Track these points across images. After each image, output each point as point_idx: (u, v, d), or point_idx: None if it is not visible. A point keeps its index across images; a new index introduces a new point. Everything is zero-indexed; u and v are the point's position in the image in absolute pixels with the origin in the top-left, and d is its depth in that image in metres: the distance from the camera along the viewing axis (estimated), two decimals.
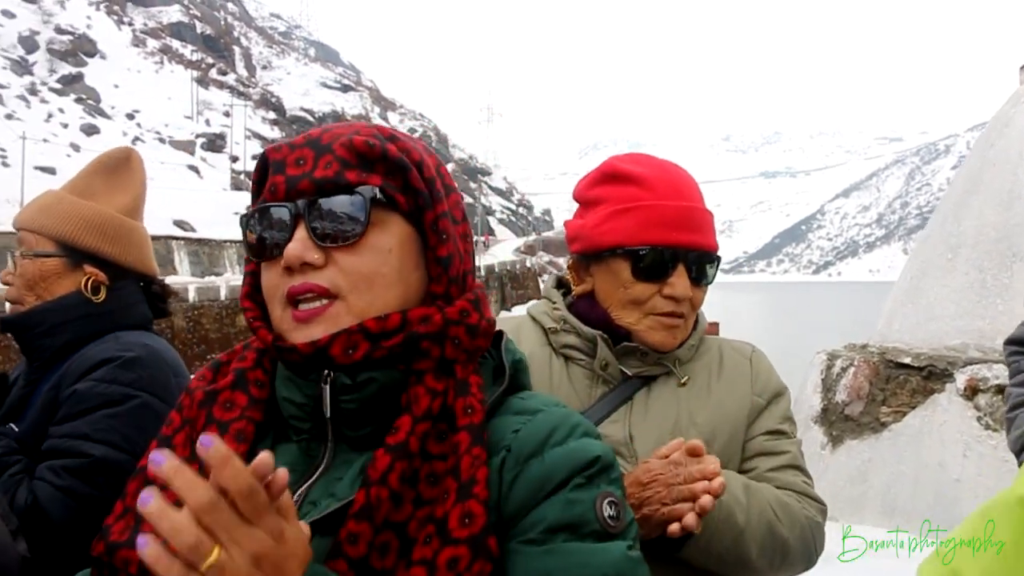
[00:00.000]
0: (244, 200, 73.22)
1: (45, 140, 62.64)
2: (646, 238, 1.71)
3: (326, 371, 1.07)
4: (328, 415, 1.09)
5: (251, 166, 58.54)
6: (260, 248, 1.11)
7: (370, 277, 1.08)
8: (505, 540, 1.03)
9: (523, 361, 1.19)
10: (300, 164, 1.09)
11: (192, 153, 78.80)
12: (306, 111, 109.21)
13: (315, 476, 1.10)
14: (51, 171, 59.50)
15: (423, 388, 1.08)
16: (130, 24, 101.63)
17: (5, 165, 58.51)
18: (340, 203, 1.07)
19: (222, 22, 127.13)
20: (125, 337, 1.97)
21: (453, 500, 1.02)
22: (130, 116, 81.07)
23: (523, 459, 1.06)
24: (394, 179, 1.10)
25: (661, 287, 1.71)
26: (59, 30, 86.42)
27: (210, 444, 0.78)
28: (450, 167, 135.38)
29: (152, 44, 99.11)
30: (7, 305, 2.06)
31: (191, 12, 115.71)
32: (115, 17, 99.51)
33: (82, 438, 1.79)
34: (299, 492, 1.08)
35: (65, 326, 1.97)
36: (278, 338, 1.10)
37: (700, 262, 1.74)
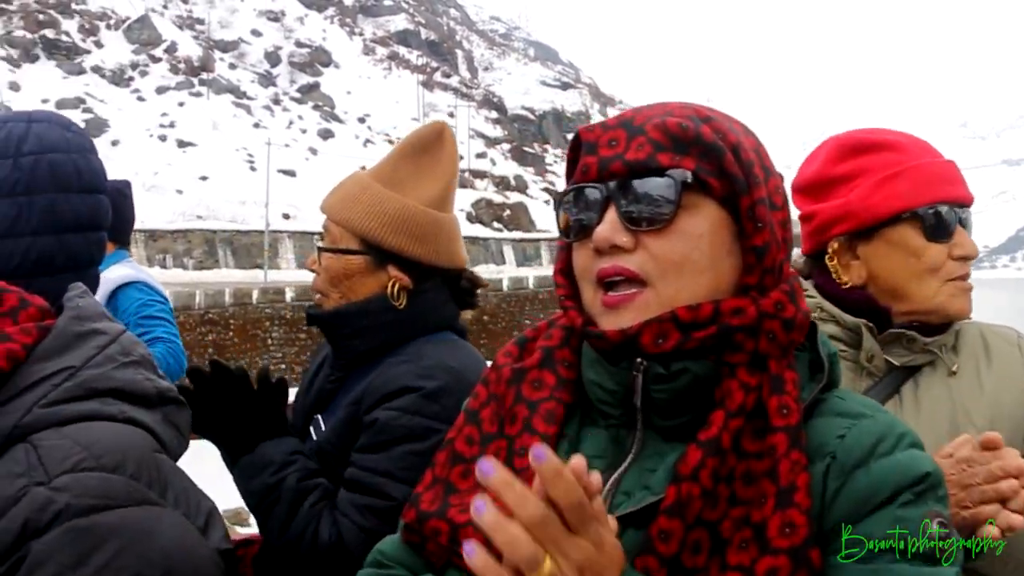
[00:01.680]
0: (468, 197, 75.77)
1: (287, 145, 67.20)
2: (928, 197, 1.61)
3: (638, 360, 1.05)
4: (639, 404, 1.07)
5: (475, 164, 60.75)
6: (572, 228, 1.11)
7: (679, 263, 1.04)
8: (825, 553, 0.98)
9: (836, 355, 1.14)
10: (612, 145, 1.07)
11: None
12: (527, 109, 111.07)
13: (625, 465, 1.08)
14: (292, 173, 63.88)
15: (736, 382, 1.04)
16: (360, 34, 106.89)
17: (253, 169, 63.11)
18: (651, 186, 1.05)
19: (445, 27, 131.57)
20: (429, 356, 1.87)
21: (772, 506, 0.98)
22: (361, 120, 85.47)
23: (849, 468, 1.01)
24: (708, 162, 1.06)
25: (950, 248, 1.62)
26: (298, 44, 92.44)
27: (543, 457, 0.76)
28: None
29: (381, 52, 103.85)
30: (315, 296, 2.01)
31: (416, 20, 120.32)
32: (347, 29, 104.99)
33: (386, 475, 1.73)
34: (611, 481, 1.06)
35: (370, 331, 1.91)
36: (588, 322, 1.09)
37: (968, 218, 1.66)
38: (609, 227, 1.04)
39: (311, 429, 1.93)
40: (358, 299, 1.92)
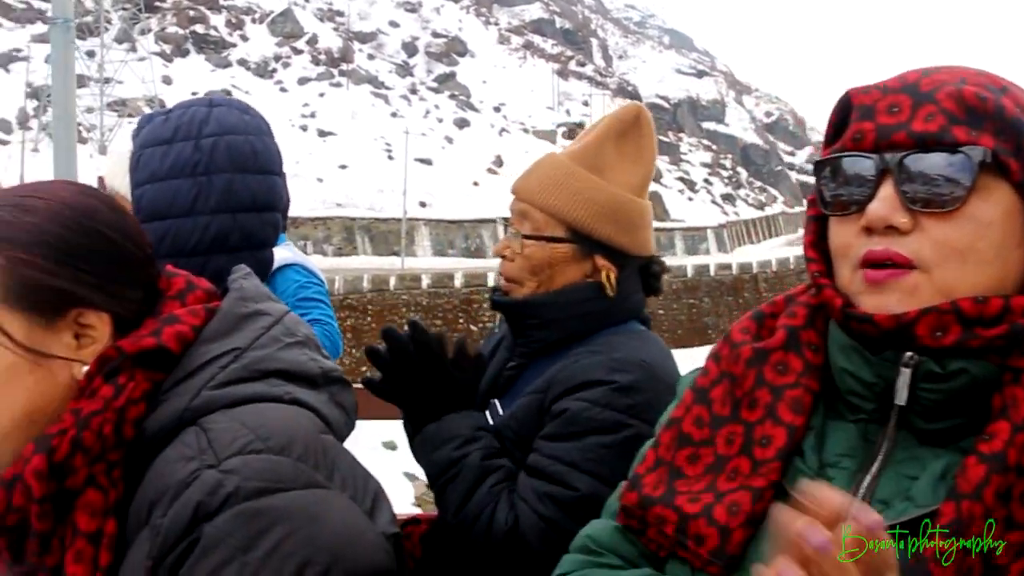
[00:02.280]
0: None
1: (423, 134, 67.98)
2: None
3: (908, 353, 0.94)
4: (902, 402, 0.96)
5: None
6: (830, 200, 1.01)
7: (963, 252, 0.93)
8: None
9: None
10: (894, 112, 0.96)
11: (553, 142, 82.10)
12: (661, 98, 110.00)
13: (876, 468, 0.98)
14: (428, 162, 64.54)
15: (1023, 390, 0.92)
16: (496, 24, 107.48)
17: (390, 158, 64.08)
18: (939, 163, 0.93)
19: (580, 16, 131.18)
20: (621, 348, 1.77)
21: None
22: (496, 109, 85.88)
23: None
24: (1007, 141, 0.94)
25: None
26: (435, 34, 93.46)
27: (876, 526, 0.69)
28: (807, 151, 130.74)
29: (516, 41, 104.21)
30: (501, 280, 1.89)
31: (551, 8, 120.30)
32: (483, 18, 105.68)
33: (570, 465, 1.64)
34: (864, 486, 0.97)
35: (563, 323, 1.81)
36: (848, 304, 0.99)
37: None
38: (886, 205, 0.94)
39: (487, 413, 1.82)
40: (555, 288, 1.82)
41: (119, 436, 0.99)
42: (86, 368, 1.02)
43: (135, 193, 1.57)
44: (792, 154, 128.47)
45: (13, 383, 0.99)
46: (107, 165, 1.66)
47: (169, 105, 1.76)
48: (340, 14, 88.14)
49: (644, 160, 1.90)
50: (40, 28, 64.01)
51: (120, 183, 1.62)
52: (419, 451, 1.74)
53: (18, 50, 61.50)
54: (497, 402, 1.84)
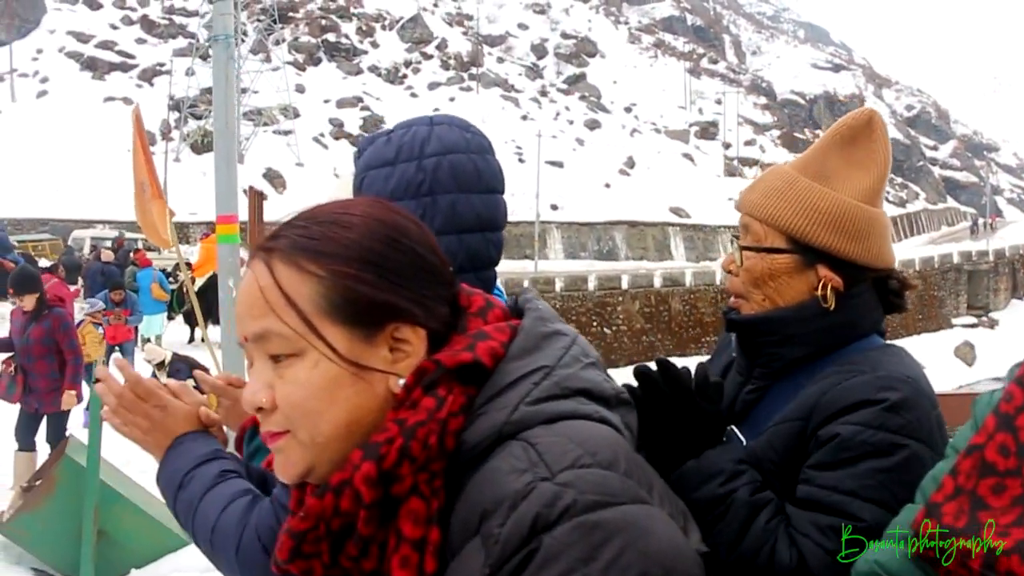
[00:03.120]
0: (737, 186, 73.20)
1: (554, 137, 67.22)
2: None
3: None
4: None
5: (744, 152, 58.09)
6: None
7: None
8: None
9: None
10: None
11: (686, 142, 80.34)
12: (797, 94, 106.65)
13: None
14: (559, 164, 63.76)
15: None
16: (626, 23, 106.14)
17: (521, 161, 63.60)
18: None
19: (711, 12, 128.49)
20: (883, 365, 1.63)
21: None
22: (627, 109, 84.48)
23: None
24: None
25: None
26: (564, 35, 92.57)
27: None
28: (951, 145, 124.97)
29: (646, 40, 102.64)
30: (731, 298, 1.83)
31: (681, 6, 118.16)
32: (612, 18, 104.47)
33: (850, 494, 1.53)
34: None
35: (800, 338, 1.72)
36: None
37: None
38: None
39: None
40: (784, 302, 1.74)
41: (442, 447, 1.04)
42: (402, 381, 1.06)
43: None
44: (935, 148, 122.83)
45: (336, 395, 1.04)
46: (335, 187, 1.51)
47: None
48: (469, 18, 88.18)
49: (876, 166, 1.77)
50: (181, 43, 65.92)
51: None
52: (676, 490, 1.44)
53: (161, 64, 63.39)
54: (736, 429, 1.73)
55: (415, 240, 1.09)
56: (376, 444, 1.01)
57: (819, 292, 1.70)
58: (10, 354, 8.23)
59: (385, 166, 1.50)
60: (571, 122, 74.86)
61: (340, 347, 1.03)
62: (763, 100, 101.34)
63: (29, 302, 8.04)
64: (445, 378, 1.05)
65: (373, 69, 73.01)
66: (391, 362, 1.06)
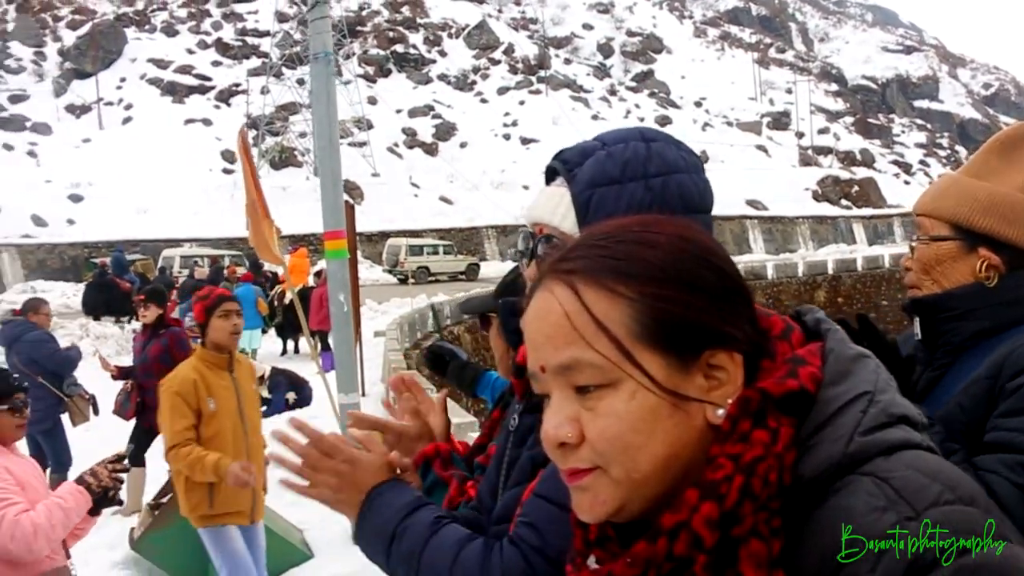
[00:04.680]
0: (813, 176, 72.32)
1: None
2: None
3: None
4: None
5: (818, 141, 57.15)
6: None
7: None
8: None
9: None
10: None
11: (759, 133, 79.48)
12: (868, 79, 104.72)
13: None
14: None
15: None
16: (690, 17, 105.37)
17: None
18: None
19: (776, 1, 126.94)
20: None
21: None
22: (698, 104, 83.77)
23: None
24: None
25: None
26: (630, 33, 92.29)
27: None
28: None
29: (712, 33, 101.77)
30: (910, 291, 2.07)
31: None
32: (676, 13, 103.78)
33: None
34: None
35: (974, 314, 1.90)
36: None
37: None
38: None
39: None
40: (950, 284, 1.95)
41: (780, 483, 0.97)
42: (722, 411, 0.99)
43: None
44: None
45: (655, 427, 0.96)
46: (541, 202, 1.46)
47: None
48: (533, 22, 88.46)
49: None
50: (255, 63, 67.34)
51: (560, 222, 1.44)
52: None
53: (237, 84, 64.81)
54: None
55: (721, 258, 1.02)
56: (714, 482, 0.94)
57: (982, 273, 1.91)
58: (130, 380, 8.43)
59: (612, 184, 1.45)
60: (642, 119, 74.50)
61: (657, 375, 0.95)
62: (834, 87, 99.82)
63: (152, 314, 8.24)
64: (771, 408, 0.98)
65: (442, 77, 73.66)
66: (706, 390, 0.98)
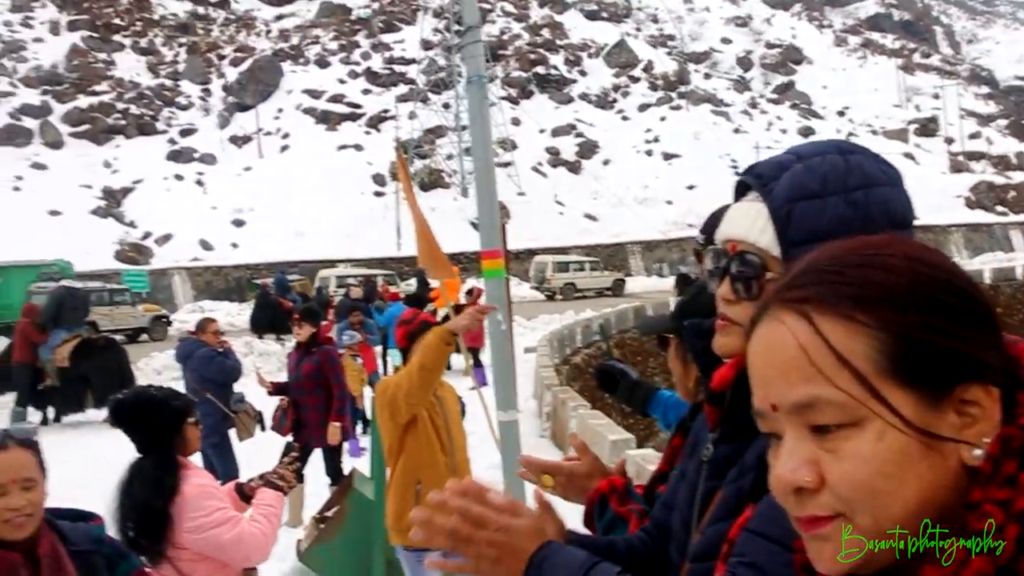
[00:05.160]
0: (965, 182, 70.06)
1: (768, 147, 66.62)
2: None
3: None
4: None
5: (969, 146, 55.53)
6: None
7: None
8: None
9: None
10: None
11: (906, 141, 77.46)
12: (1022, 79, 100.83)
13: None
14: None
15: None
16: (830, 26, 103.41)
17: (737, 174, 62.71)
18: None
19: (919, 4, 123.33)
20: None
21: None
22: (840, 113, 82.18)
23: None
24: None
25: None
26: (769, 45, 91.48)
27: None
28: None
29: (853, 41, 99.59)
30: None
31: (887, 2, 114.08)
32: (815, 23, 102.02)
33: None
34: None
35: None
36: None
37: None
38: None
39: None
40: None
41: None
42: (980, 451, 0.88)
43: (791, 251, 1.37)
44: None
45: (906, 471, 0.87)
46: (735, 218, 1.42)
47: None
48: (672, 38, 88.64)
49: None
50: (402, 89, 69.85)
51: (758, 238, 1.38)
52: None
53: (386, 111, 67.36)
54: None
55: (964, 281, 0.93)
56: (982, 532, 0.85)
57: None
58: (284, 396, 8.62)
59: (813, 198, 1.37)
60: (784, 131, 73.78)
61: (907, 413, 0.87)
62: (985, 90, 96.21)
63: (305, 332, 8.46)
64: None
65: (583, 96, 74.68)
66: (959, 428, 0.89)
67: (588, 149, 66.33)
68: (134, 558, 2.73)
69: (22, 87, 64.81)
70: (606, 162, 65.53)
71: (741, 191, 1.47)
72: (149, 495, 3.20)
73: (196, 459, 3.85)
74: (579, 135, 67.92)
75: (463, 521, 1.36)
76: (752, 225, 1.37)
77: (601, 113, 72.34)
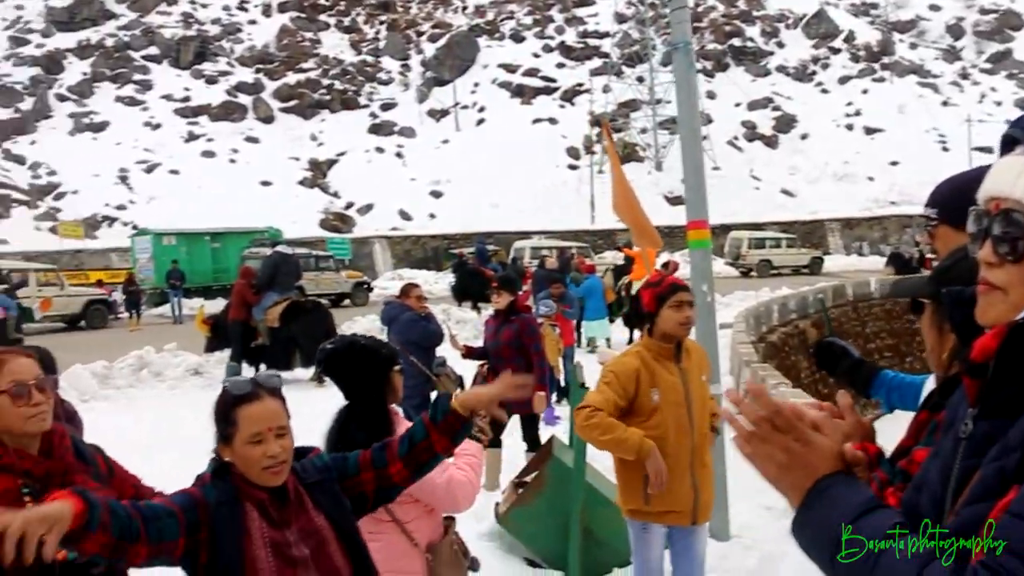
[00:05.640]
0: None
1: (980, 121, 63.08)
2: None
3: None
4: None
5: None
6: None
7: None
8: None
9: None
10: None
11: None
12: None
13: None
14: (988, 150, 59.73)
15: None
16: None
17: (945, 149, 60.47)
18: None
19: None
20: None
21: None
22: None
23: None
24: None
25: None
26: (983, 11, 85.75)
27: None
28: None
29: None
30: None
31: None
32: None
33: None
34: None
35: None
36: None
37: None
38: None
39: None
40: None
41: None
42: None
43: None
44: None
45: None
46: (1000, 174, 1.30)
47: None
48: (875, 7, 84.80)
49: None
50: (596, 63, 69.92)
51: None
52: None
53: (580, 84, 67.65)
54: None
55: None
56: None
57: None
58: (484, 361, 8.67)
59: None
60: (999, 103, 69.33)
61: None
62: None
63: (504, 300, 8.51)
64: None
65: (781, 69, 72.63)
66: None
67: (785, 123, 64.64)
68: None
69: (238, 66, 68.82)
70: (804, 136, 63.69)
71: (1007, 146, 1.37)
72: (368, 436, 3.11)
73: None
74: (776, 108, 66.24)
75: (771, 416, 1.36)
76: (1017, 180, 1.28)
77: (799, 86, 70.19)
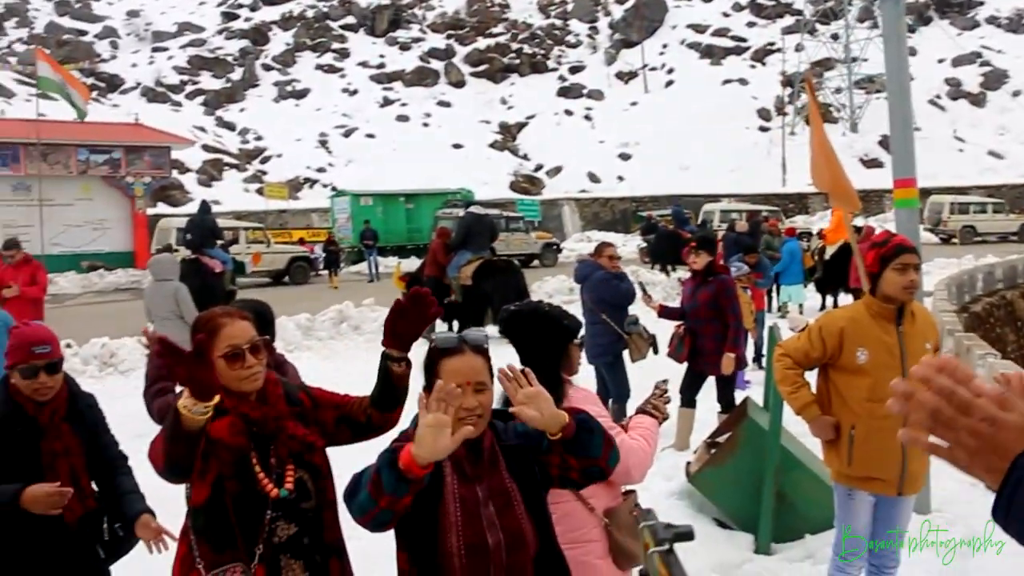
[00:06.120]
0: None
1: None
2: None
3: None
4: None
5: None
6: None
7: None
8: None
9: None
10: None
11: None
12: None
13: None
14: None
15: None
16: None
17: None
18: None
19: None
20: None
21: None
22: None
23: None
24: None
25: None
26: None
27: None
28: None
29: None
30: None
31: None
32: None
33: None
34: None
35: None
36: None
37: None
38: None
39: None
40: None
41: None
42: None
43: None
44: None
45: None
46: None
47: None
48: None
49: None
50: (788, 21, 67.86)
51: None
52: None
53: (771, 43, 65.90)
54: None
55: None
56: None
57: None
58: (681, 322, 8.64)
59: None
60: None
61: None
62: None
63: (702, 261, 8.46)
64: None
65: (992, 20, 68.21)
66: None
67: (995, 79, 60.86)
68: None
69: (430, 33, 70.68)
70: (1016, 93, 59.79)
71: None
72: None
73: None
74: (985, 64, 62.36)
75: (946, 402, 1.24)
76: None
77: (1012, 38, 65.60)
